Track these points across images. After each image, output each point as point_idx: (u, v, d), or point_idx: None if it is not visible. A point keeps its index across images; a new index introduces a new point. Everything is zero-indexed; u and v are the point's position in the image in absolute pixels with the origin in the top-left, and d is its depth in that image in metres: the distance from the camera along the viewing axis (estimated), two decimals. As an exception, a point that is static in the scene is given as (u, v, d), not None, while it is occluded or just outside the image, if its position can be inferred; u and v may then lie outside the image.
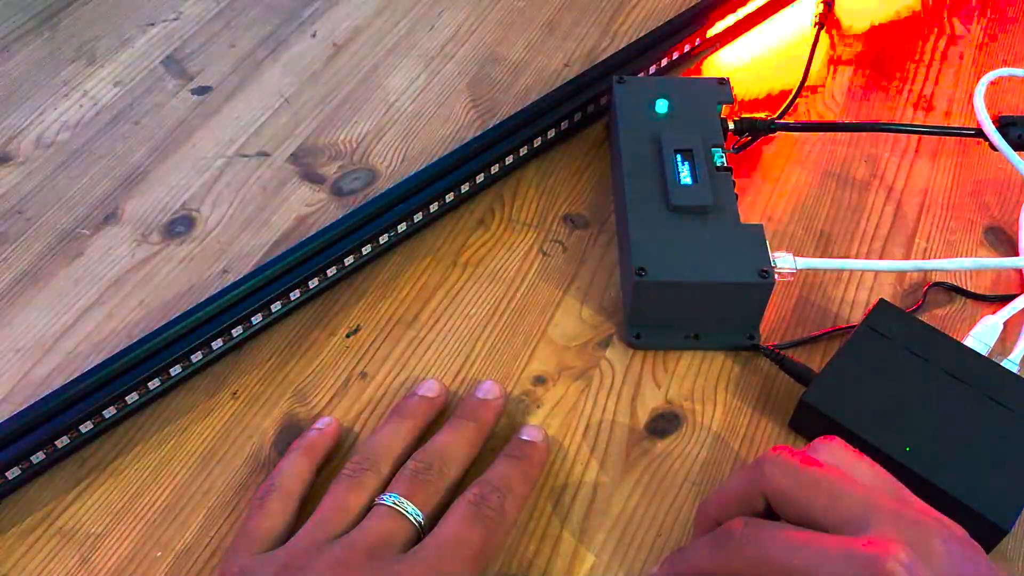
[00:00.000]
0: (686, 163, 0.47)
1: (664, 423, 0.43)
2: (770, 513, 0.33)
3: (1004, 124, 0.50)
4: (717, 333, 0.45)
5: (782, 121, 0.53)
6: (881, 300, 0.44)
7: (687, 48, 0.58)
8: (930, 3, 0.64)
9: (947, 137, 0.54)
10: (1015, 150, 0.50)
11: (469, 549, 0.35)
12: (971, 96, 0.53)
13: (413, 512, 0.36)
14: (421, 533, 0.36)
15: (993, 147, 0.50)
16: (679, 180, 0.46)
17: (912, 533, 0.30)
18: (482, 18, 0.63)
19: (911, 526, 0.31)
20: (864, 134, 0.55)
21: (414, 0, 0.63)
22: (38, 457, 0.40)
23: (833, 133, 0.55)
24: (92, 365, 0.42)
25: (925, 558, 0.29)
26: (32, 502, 0.40)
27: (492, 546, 0.37)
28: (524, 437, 0.41)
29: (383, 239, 0.48)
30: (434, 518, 0.37)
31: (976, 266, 0.48)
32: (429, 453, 0.39)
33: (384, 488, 0.38)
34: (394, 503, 0.36)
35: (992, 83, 0.52)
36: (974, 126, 0.51)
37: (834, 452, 0.34)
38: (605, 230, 0.50)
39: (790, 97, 0.56)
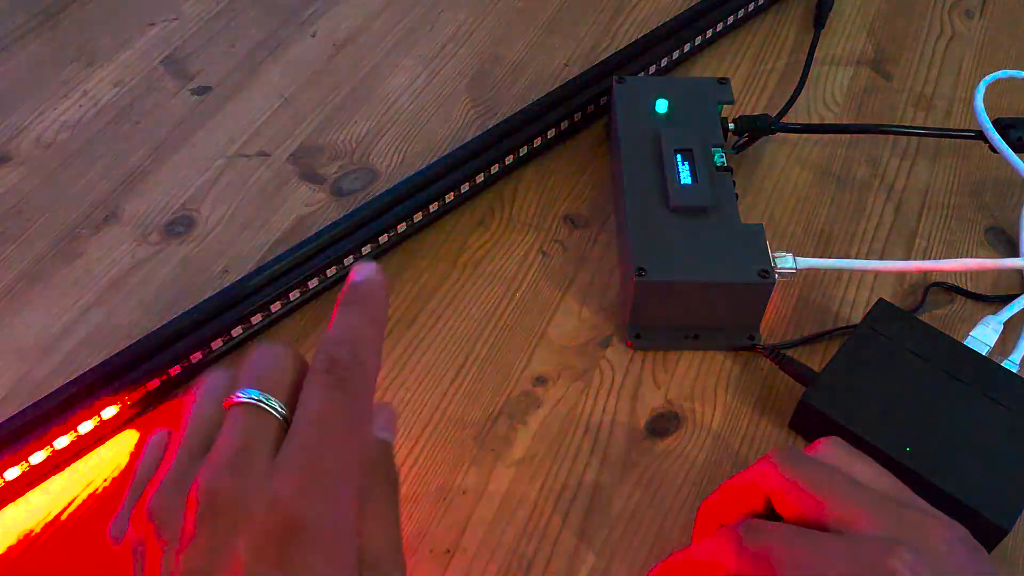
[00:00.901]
0: (686, 163, 0.47)
1: (664, 423, 0.43)
2: (772, 514, 0.34)
3: (1004, 126, 0.51)
4: (717, 333, 0.45)
5: (782, 121, 0.53)
6: (881, 300, 0.44)
7: (687, 48, 0.58)
8: (930, 2, 0.64)
9: (947, 139, 0.54)
10: (1015, 152, 0.50)
11: (341, 424, 0.29)
12: (972, 96, 0.53)
13: (273, 402, 0.30)
14: (286, 425, 0.30)
15: (993, 149, 0.51)
16: (679, 180, 0.46)
17: (915, 534, 0.30)
18: (482, 18, 0.63)
19: (914, 527, 0.31)
20: (865, 134, 0.55)
21: (414, 0, 0.63)
22: (38, 458, 0.40)
23: (834, 132, 0.55)
24: (92, 365, 0.42)
25: (928, 559, 0.29)
26: (33, 503, 0.40)
27: (363, 406, 0.30)
28: (356, 279, 0.33)
29: (383, 239, 0.48)
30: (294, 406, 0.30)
31: (976, 266, 0.48)
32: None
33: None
34: (248, 398, 0.30)
35: (991, 84, 0.52)
36: (974, 127, 0.51)
37: (836, 452, 0.34)
38: (605, 230, 0.50)
39: (790, 97, 0.56)
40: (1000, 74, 0.53)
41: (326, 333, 0.31)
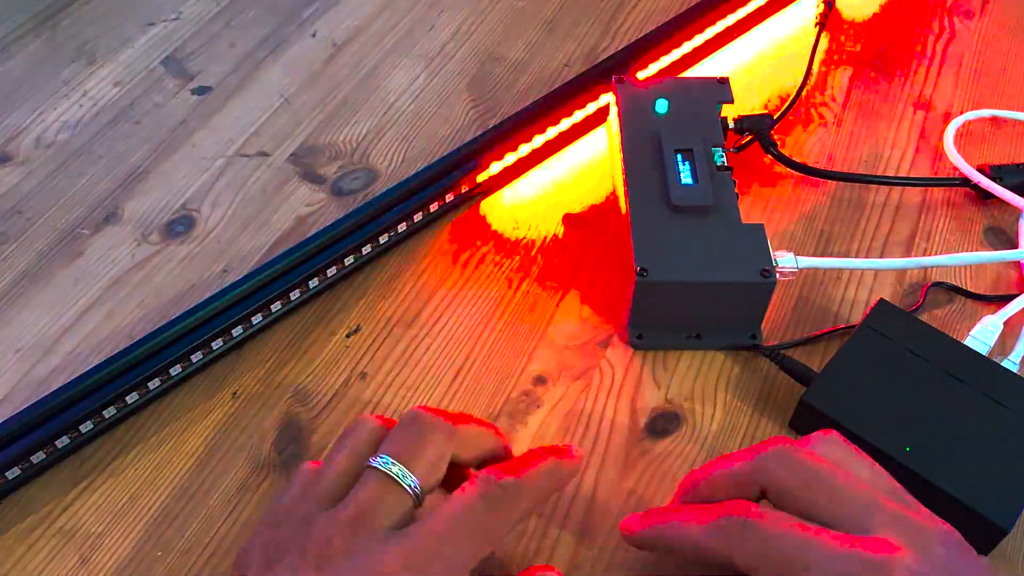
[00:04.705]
0: (686, 163, 0.47)
1: (664, 423, 0.43)
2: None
3: (993, 176, 0.51)
4: (718, 333, 0.45)
5: (776, 151, 0.52)
6: (881, 300, 0.44)
7: (687, 48, 0.57)
8: (931, 3, 0.64)
9: (936, 187, 0.53)
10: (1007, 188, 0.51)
11: (472, 532, 0.31)
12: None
13: (408, 480, 0.32)
14: (418, 503, 0.32)
15: (981, 193, 0.52)
16: (679, 180, 0.46)
17: (914, 536, 0.30)
18: (482, 18, 0.63)
19: (913, 528, 0.31)
20: (863, 131, 0.55)
21: (414, 0, 0.63)
22: (38, 457, 0.40)
23: (834, 132, 0.55)
24: (92, 365, 0.42)
25: (928, 561, 0.29)
26: (32, 502, 0.40)
27: (498, 532, 0.32)
28: (573, 452, 0.36)
29: (383, 239, 0.48)
30: (434, 488, 0.33)
31: (976, 260, 0.48)
32: (438, 412, 0.34)
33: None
34: (385, 467, 0.32)
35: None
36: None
37: (833, 447, 0.34)
38: (605, 230, 0.50)
39: (791, 97, 0.56)
40: (967, 116, 0.55)
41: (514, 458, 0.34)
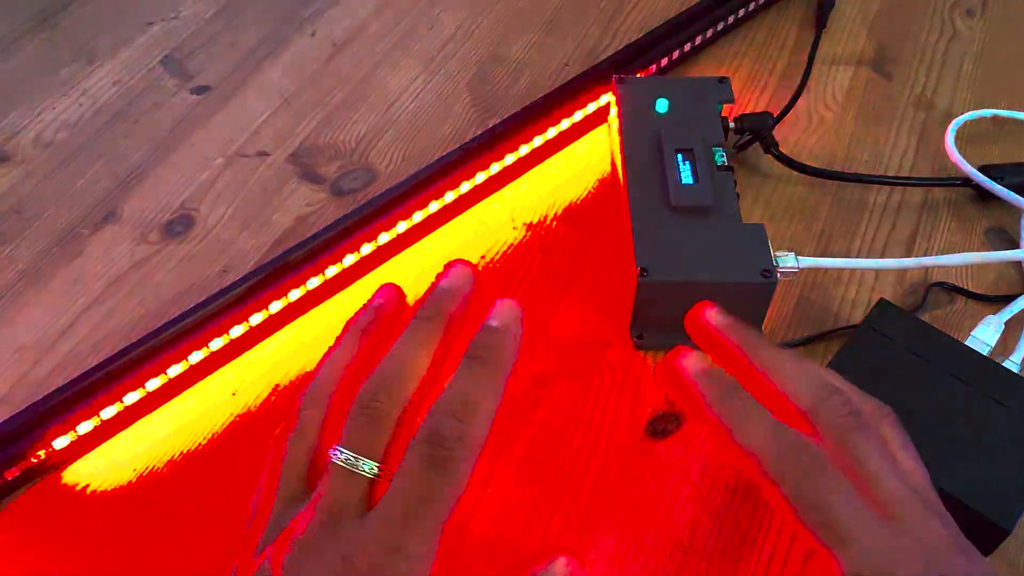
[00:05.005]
0: (687, 162, 0.47)
1: (665, 423, 0.43)
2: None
3: (994, 176, 0.51)
4: (718, 333, 0.45)
5: (776, 151, 0.52)
6: (882, 300, 0.44)
7: (687, 47, 0.57)
8: (931, 2, 0.64)
9: (937, 187, 0.53)
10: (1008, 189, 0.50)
11: (430, 504, 0.30)
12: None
13: (367, 467, 0.31)
14: (378, 484, 0.31)
15: (982, 193, 0.51)
16: (680, 180, 0.46)
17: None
18: (482, 18, 0.62)
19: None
20: (864, 131, 0.55)
21: (414, 0, 0.63)
22: (38, 457, 0.40)
23: (834, 130, 0.55)
24: (92, 365, 0.42)
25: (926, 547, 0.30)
26: (31, 502, 0.40)
27: (458, 487, 0.31)
28: (491, 323, 0.33)
29: (383, 239, 0.48)
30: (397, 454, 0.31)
31: (977, 260, 0.48)
32: (383, 372, 0.33)
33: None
34: (342, 462, 0.31)
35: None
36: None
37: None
38: (606, 230, 0.50)
39: (791, 97, 0.56)
40: (967, 117, 0.54)
41: (443, 392, 0.31)
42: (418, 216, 0.49)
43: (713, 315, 0.36)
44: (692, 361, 0.34)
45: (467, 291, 0.35)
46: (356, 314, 0.36)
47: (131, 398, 0.42)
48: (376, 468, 0.31)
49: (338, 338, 0.35)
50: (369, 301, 0.36)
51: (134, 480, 0.41)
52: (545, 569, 0.33)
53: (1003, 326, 0.45)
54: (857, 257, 0.50)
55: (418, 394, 0.33)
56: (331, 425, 0.33)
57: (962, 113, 0.55)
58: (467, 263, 0.36)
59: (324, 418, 0.33)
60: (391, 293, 0.37)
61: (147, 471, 0.41)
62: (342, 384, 0.34)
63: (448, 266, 0.35)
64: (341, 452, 0.31)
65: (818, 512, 0.30)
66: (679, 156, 0.47)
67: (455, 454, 0.30)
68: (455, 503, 0.30)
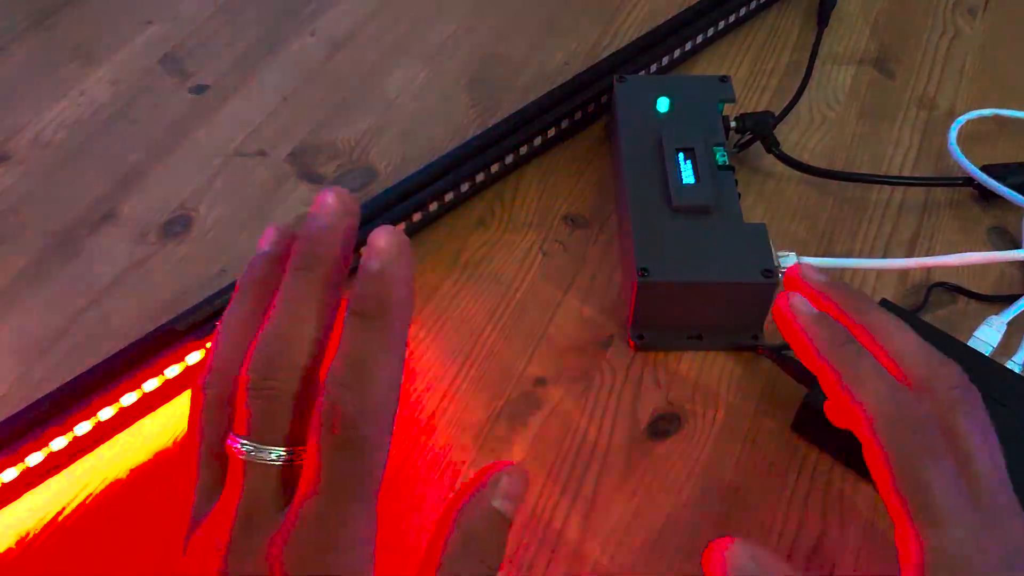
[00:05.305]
0: (688, 162, 0.47)
1: (665, 424, 0.43)
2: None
3: (996, 176, 0.51)
4: (720, 333, 0.45)
5: (778, 151, 0.52)
6: (883, 301, 0.44)
7: (688, 46, 0.57)
8: (933, 0, 0.64)
9: (939, 187, 0.53)
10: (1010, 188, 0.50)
11: (350, 490, 0.27)
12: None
13: (274, 456, 0.28)
14: (292, 467, 0.28)
15: (983, 193, 0.51)
16: (681, 179, 0.46)
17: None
18: (482, 17, 0.62)
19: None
20: (866, 130, 0.55)
21: (413, 0, 0.63)
22: (36, 459, 0.40)
23: (836, 130, 0.55)
24: (90, 365, 0.42)
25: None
26: (31, 501, 0.40)
27: (373, 462, 0.28)
28: (371, 265, 0.28)
29: (382, 239, 0.48)
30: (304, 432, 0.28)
31: (979, 260, 0.48)
32: (267, 343, 0.29)
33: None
34: (248, 455, 0.28)
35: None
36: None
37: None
38: (606, 230, 0.50)
39: (793, 96, 0.55)
40: (968, 116, 0.54)
41: (334, 359, 0.28)
42: (418, 216, 0.48)
43: (811, 273, 0.35)
44: (801, 302, 0.33)
45: (347, 224, 0.30)
46: (249, 264, 0.31)
47: (129, 399, 0.42)
48: (283, 453, 0.28)
49: (232, 296, 0.31)
50: (258, 245, 0.31)
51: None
52: (488, 487, 0.29)
53: (1005, 326, 0.45)
54: (859, 257, 0.49)
55: (314, 358, 0.29)
56: (238, 403, 0.29)
57: (964, 112, 0.55)
58: (339, 190, 0.30)
59: (230, 395, 0.29)
60: (280, 231, 0.32)
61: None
62: (246, 355, 0.29)
63: (318, 199, 0.30)
64: (244, 443, 0.28)
65: (920, 492, 0.29)
66: (680, 155, 0.47)
67: (360, 432, 0.27)
68: (380, 473, 0.28)
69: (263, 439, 0.28)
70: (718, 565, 0.30)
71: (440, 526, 0.29)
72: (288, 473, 0.28)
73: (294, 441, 0.28)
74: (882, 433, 0.30)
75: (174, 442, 0.42)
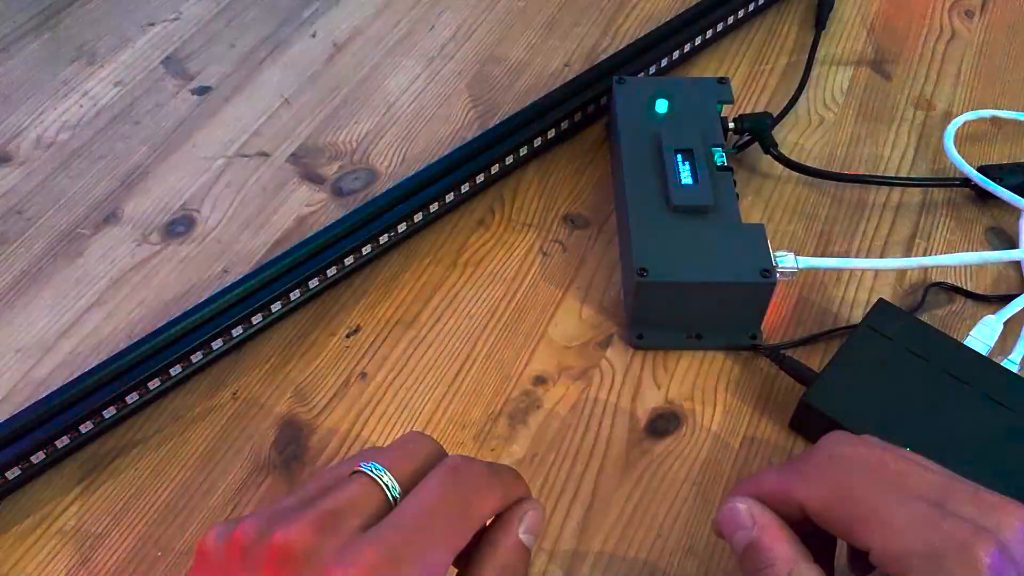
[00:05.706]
0: (686, 163, 0.47)
1: (664, 423, 0.43)
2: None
3: (993, 176, 0.51)
4: (719, 333, 0.45)
5: (776, 151, 0.52)
6: (881, 300, 0.44)
7: (687, 48, 0.57)
8: (930, 2, 0.64)
9: (936, 187, 0.53)
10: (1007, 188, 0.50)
11: (444, 522, 0.29)
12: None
13: (389, 483, 0.30)
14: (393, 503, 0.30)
15: (979, 194, 0.51)
16: (679, 180, 0.46)
17: (991, 516, 0.30)
18: (482, 18, 0.63)
19: (989, 508, 0.30)
20: (863, 131, 0.55)
21: (414, 0, 0.63)
22: (38, 457, 0.40)
23: (834, 131, 0.55)
24: (92, 365, 0.42)
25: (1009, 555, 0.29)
26: (32, 502, 0.40)
27: (475, 512, 0.30)
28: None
29: (383, 239, 0.48)
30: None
31: (976, 260, 0.48)
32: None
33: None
34: (371, 471, 0.30)
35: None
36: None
37: (875, 453, 0.33)
38: (605, 230, 0.50)
39: (791, 97, 0.56)
40: (966, 117, 0.54)
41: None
42: (418, 216, 0.49)
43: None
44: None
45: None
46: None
47: (131, 398, 0.42)
48: (398, 490, 0.30)
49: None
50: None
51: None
52: (516, 520, 0.32)
53: (1002, 326, 0.45)
54: (856, 257, 0.50)
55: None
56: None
57: (961, 113, 0.55)
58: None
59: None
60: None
61: (148, 471, 0.41)
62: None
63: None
64: (369, 464, 0.30)
65: None
66: (679, 156, 0.47)
67: (481, 482, 0.31)
68: (470, 531, 0.30)
69: (391, 468, 0.30)
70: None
71: (472, 552, 0.31)
72: (386, 510, 0.30)
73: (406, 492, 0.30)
74: None
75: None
